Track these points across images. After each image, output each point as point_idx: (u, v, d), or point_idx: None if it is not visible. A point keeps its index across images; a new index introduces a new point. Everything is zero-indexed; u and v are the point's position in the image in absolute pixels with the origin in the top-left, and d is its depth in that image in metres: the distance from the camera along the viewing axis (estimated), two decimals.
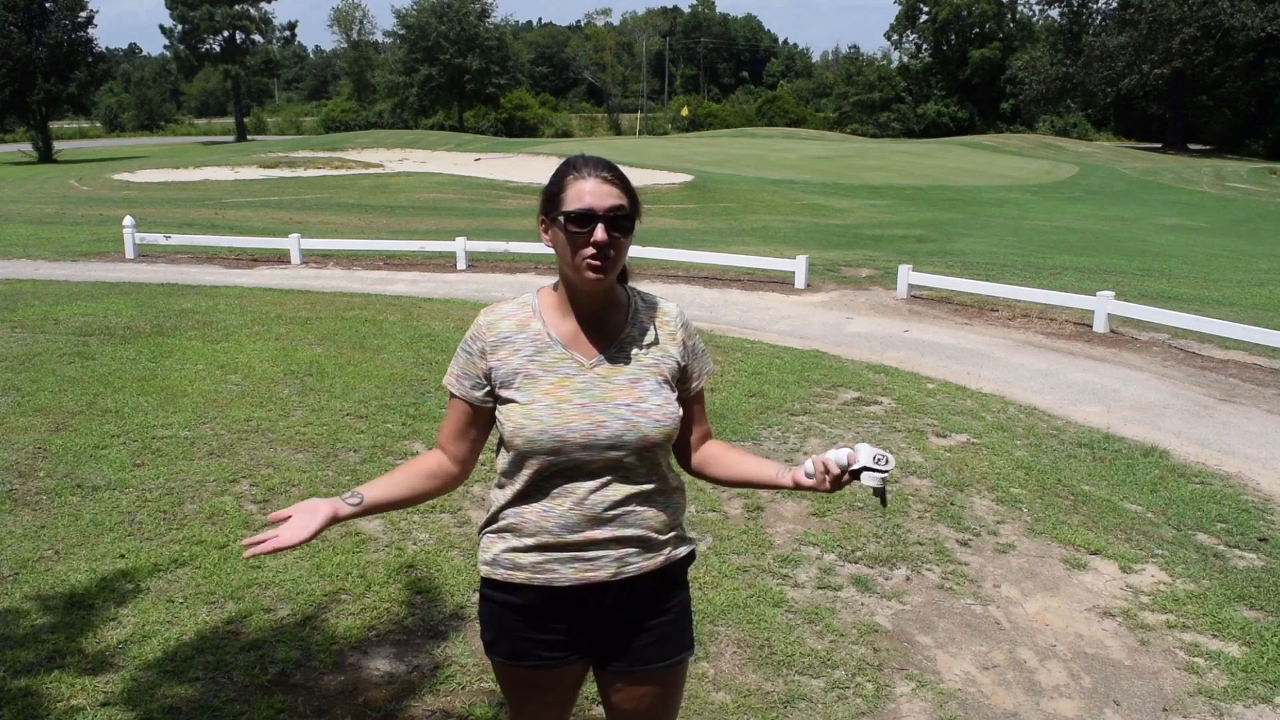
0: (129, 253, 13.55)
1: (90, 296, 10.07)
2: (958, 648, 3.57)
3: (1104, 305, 9.03)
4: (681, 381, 1.99)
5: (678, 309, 2.02)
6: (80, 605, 3.67)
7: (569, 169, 1.87)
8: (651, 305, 1.99)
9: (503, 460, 1.93)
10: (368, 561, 4.08)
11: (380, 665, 3.33)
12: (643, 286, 1.98)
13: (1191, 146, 52.52)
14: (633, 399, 1.87)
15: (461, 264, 12.71)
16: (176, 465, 5.11)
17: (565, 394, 1.85)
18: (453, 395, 1.95)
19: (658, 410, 1.88)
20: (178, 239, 14.18)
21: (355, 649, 3.43)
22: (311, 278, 12.07)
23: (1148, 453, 5.71)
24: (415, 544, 4.25)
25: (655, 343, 1.95)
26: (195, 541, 4.21)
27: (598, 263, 1.81)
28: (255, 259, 13.55)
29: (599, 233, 1.80)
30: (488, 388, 1.91)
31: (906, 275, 10.62)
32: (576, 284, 1.87)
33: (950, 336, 8.90)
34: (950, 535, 4.48)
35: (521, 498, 1.90)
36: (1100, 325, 9.04)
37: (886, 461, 1.83)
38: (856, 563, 4.18)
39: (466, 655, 3.39)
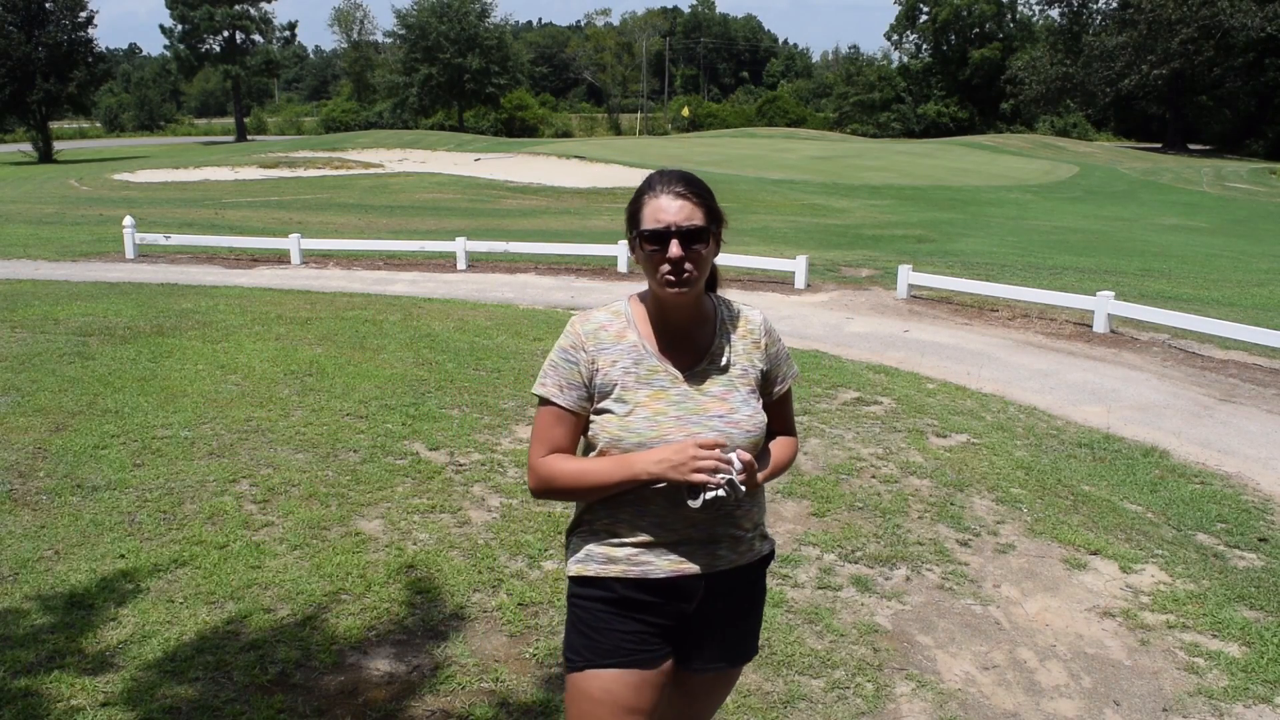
0: (129, 253, 13.55)
1: (90, 296, 10.07)
2: (958, 648, 3.57)
3: (1104, 305, 9.03)
4: (765, 386, 2.02)
5: (761, 316, 2.05)
6: (80, 605, 3.67)
7: (646, 188, 1.90)
8: (736, 315, 2.03)
9: None
10: (368, 561, 4.08)
11: (380, 665, 3.33)
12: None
13: (1191, 146, 52.51)
14: (725, 410, 1.91)
15: (461, 264, 12.71)
16: (176, 465, 5.11)
17: (661, 406, 1.89)
18: (559, 408, 1.92)
19: (748, 421, 1.92)
20: (178, 239, 14.18)
21: (355, 649, 3.43)
22: (311, 278, 12.06)
23: (1148, 453, 5.71)
24: (415, 544, 4.25)
25: (742, 352, 1.99)
26: (195, 541, 4.21)
27: (673, 278, 1.84)
28: (255, 259, 13.55)
29: (674, 249, 1.83)
30: (590, 387, 1.92)
31: (906, 275, 10.62)
32: (663, 299, 1.90)
33: (950, 336, 8.90)
34: (950, 535, 4.48)
35: (615, 500, 1.91)
36: (1100, 325, 9.04)
37: (695, 495, 1.83)
38: (856, 563, 4.18)
39: (466, 655, 3.39)
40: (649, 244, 1.85)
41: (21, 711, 3.01)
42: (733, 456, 1.83)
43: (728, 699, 3.17)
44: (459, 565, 4.05)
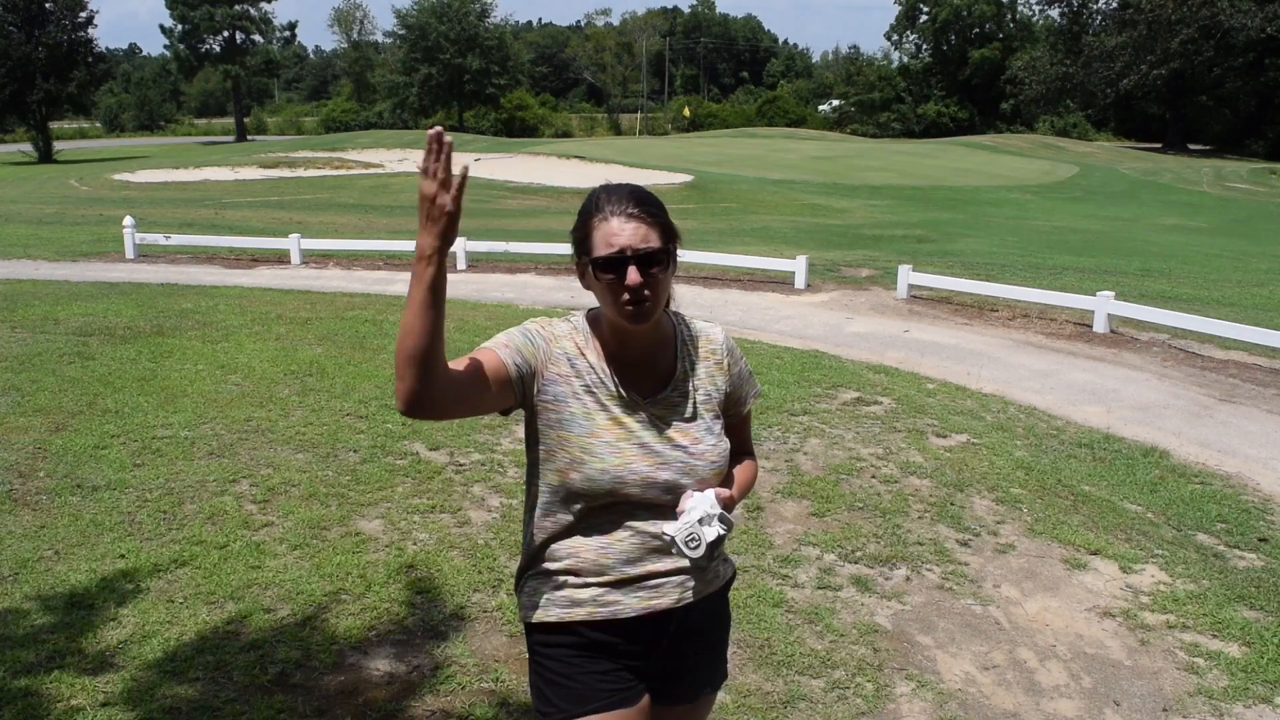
0: (129, 253, 13.55)
1: (90, 296, 10.07)
2: (958, 648, 3.57)
3: (1104, 305, 9.03)
4: (728, 407, 1.94)
5: (723, 335, 1.95)
6: (80, 605, 3.67)
7: (593, 208, 1.76)
8: (697, 335, 1.92)
9: (546, 496, 1.84)
10: (368, 561, 4.08)
11: (380, 665, 3.33)
12: None
13: (1191, 146, 52.51)
14: (688, 440, 1.83)
15: (461, 264, 12.71)
16: (176, 465, 5.11)
17: (622, 433, 1.78)
18: (493, 352, 1.74)
19: (712, 451, 1.84)
20: (178, 239, 14.17)
21: (355, 649, 3.43)
22: (311, 278, 12.06)
23: (1148, 453, 5.71)
24: (415, 544, 4.25)
25: (705, 376, 1.90)
26: (195, 541, 4.21)
27: (632, 307, 1.72)
28: (255, 259, 13.55)
29: (632, 275, 1.70)
30: (531, 378, 1.77)
31: (906, 275, 10.62)
32: (621, 328, 1.78)
33: (950, 336, 8.90)
34: (950, 535, 4.48)
35: (574, 534, 1.82)
36: (1100, 325, 9.04)
37: (695, 544, 1.77)
38: (856, 563, 4.18)
39: (466, 655, 3.39)
40: (603, 272, 1.71)
41: (21, 711, 3.01)
42: (710, 494, 1.78)
43: (726, 700, 3.17)
44: (459, 565, 4.05)
